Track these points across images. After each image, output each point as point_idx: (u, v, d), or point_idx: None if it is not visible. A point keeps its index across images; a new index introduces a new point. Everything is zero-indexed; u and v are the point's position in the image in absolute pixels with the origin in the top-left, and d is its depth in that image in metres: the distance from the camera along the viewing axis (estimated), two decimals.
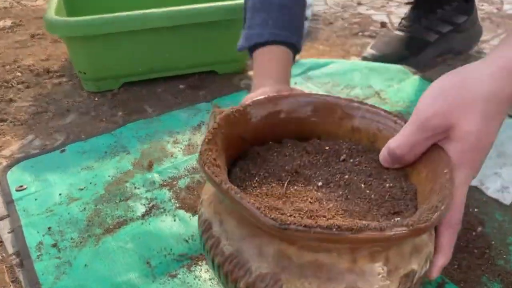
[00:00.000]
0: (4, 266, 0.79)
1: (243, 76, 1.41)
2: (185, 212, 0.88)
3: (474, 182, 0.89)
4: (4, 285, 0.76)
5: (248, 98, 0.76)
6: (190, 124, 1.17)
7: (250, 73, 1.41)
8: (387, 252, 0.50)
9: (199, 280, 0.74)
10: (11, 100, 1.31)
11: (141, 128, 1.16)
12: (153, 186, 0.95)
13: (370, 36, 1.69)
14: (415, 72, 1.36)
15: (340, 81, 1.34)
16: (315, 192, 0.60)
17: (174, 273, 0.75)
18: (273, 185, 0.61)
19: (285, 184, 0.61)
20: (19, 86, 1.38)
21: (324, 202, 0.57)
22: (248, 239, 0.53)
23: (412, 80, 1.33)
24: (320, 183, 0.62)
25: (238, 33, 1.00)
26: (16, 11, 1.95)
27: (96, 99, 1.31)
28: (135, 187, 0.95)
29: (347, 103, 0.70)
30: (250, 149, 0.68)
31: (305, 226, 0.46)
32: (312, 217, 0.54)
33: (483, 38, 1.57)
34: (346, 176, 0.62)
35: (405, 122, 0.60)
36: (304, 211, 0.55)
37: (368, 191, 0.59)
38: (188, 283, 0.74)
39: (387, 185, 0.60)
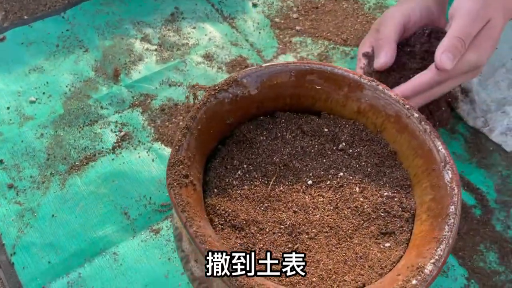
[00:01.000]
0: None
1: None
2: (163, 147, 0.76)
3: (479, 123, 0.82)
4: None
5: (387, 18, 0.68)
6: (161, 11, 0.96)
7: None
8: None
9: None
10: None
11: (99, 12, 0.94)
12: (122, 105, 0.81)
13: None
14: None
15: None
16: (302, 195, 0.52)
17: (157, 227, 0.68)
18: (257, 183, 0.52)
19: (271, 183, 0.52)
20: None
21: (310, 211, 0.50)
22: None
23: None
24: (310, 181, 0.53)
25: None
26: None
27: None
28: (101, 106, 0.80)
29: (357, 79, 0.56)
30: (237, 128, 0.56)
31: None
32: (293, 235, 0.48)
33: None
34: (341, 174, 0.53)
35: (422, 119, 0.51)
36: (285, 226, 0.48)
37: (361, 199, 0.51)
38: (173, 241, 0.67)
39: (385, 193, 0.52)
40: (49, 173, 0.72)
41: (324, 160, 0.54)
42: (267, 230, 0.49)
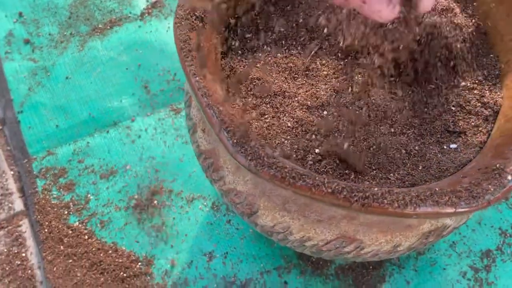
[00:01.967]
0: None
1: None
2: None
3: None
4: None
5: None
6: None
7: None
8: None
9: None
10: None
11: None
12: None
13: None
14: None
15: None
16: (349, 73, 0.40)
17: (179, 106, 0.60)
18: (293, 51, 0.40)
19: (310, 54, 0.40)
20: None
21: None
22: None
23: None
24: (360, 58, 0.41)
25: None
26: None
27: None
28: None
29: None
30: None
31: (290, 182, 0.29)
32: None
33: None
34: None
35: None
36: (321, 106, 0.37)
37: (427, 87, 0.39)
38: None
39: (462, 82, 0.39)
40: (69, 33, 0.64)
41: (387, 33, 0.42)
42: (298, 106, 0.38)
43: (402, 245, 0.35)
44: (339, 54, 0.42)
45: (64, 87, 0.60)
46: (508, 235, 0.51)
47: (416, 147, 0.37)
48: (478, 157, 0.34)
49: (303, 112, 0.38)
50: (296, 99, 0.38)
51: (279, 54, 0.41)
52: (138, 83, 0.61)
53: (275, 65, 0.41)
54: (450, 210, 0.28)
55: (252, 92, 0.39)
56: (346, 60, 0.41)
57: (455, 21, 0.41)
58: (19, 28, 0.64)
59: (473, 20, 0.42)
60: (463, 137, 0.38)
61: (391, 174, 0.35)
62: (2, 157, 0.56)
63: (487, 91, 0.39)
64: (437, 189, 0.29)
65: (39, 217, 0.52)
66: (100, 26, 0.64)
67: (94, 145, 0.56)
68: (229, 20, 0.41)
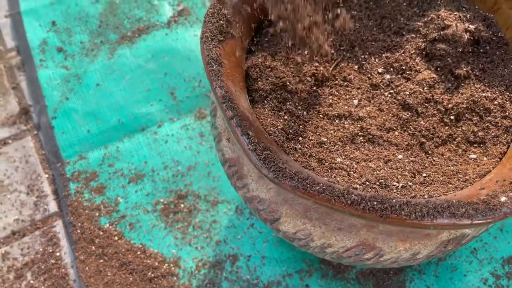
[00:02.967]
0: (2, 66, 0.66)
1: None
2: None
3: None
4: (4, 91, 0.64)
5: None
6: None
7: None
8: None
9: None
10: None
11: None
12: None
13: None
14: None
15: None
16: (371, 81, 0.41)
17: (204, 112, 0.61)
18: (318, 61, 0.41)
19: (334, 64, 0.41)
20: None
21: (378, 101, 0.39)
22: None
23: None
24: (381, 69, 0.41)
25: None
26: None
27: None
28: None
29: None
30: None
31: (311, 193, 0.30)
32: (354, 124, 0.38)
33: None
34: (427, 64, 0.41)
35: None
36: (343, 115, 0.38)
37: (449, 97, 0.39)
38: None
39: (484, 93, 0.40)
40: (99, 41, 0.66)
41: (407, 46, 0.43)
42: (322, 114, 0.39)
43: (421, 253, 0.36)
44: None
45: (95, 94, 0.62)
46: None
47: (436, 157, 0.38)
48: (496, 168, 0.35)
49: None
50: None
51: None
52: (165, 90, 0.63)
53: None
54: (466, 222, 0.29)
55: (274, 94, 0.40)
56: None
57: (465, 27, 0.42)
58: (52, 37, 0.67)
59: (493, 29, 0.42)
60: (482, 147, 0.38)
61: (409, 182, 0.36)
62: (37, 161, 0.59)
63: (507, 102, 0.39)
64: (454, 200, 0.30)
65: (72, 218, 0.54)
66: (128, 34, 0.67)
67: (123, 149, 0.59)
68: (252, 33, 0.42)
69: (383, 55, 0.42)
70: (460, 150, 0.38)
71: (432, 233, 0.35)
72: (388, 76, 0.41)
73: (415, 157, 0.37)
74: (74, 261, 0.52)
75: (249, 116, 0.34)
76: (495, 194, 0.30)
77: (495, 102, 0.39)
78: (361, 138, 0.38)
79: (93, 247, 0.53)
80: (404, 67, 0.41)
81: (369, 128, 0.38)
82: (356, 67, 0.42)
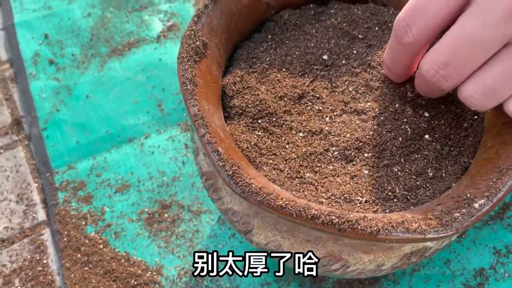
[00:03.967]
0: None
1: None
2: None
3: None
4: None
5: None
6: None
7: None
8: None
9: None
10: None
11: None
12: None
13: None
14: None
15: None
16: (341, 102, 0.43)
17: (189, 126, 0.63)
18: (291, 78, 0.44)
19: (308, 82, 0.43)
20: None
21: (346, 122, 0.41)
22: None
23: None
24: (352, 89, 0.43)
25: None
26: None
27: None
28: None
29: None
30: (278, 13, 0.47)
31: (275, 207, 0.32)
32: (320, 139, 0.40)
33: None
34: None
35: None
36: (312, 132, 0.40)
37: (411, 112, 0.41)
38: None
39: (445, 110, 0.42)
40: (90, 54, 0.69)
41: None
42: (293, 131, 0.41)
43: (385, 265, 0.38)
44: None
45: (85, 105, 0.64)
46: (502, 254, 0.53)
47: (394, 174, 0.39)
48: (455, 185, 0.37)
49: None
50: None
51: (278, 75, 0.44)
52: (152, 102, 0.65)
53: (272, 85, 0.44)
54: (419, 236, 0.31)
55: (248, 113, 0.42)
56: None
57: None
58: (44, 49, 0.69)
59: None
60: (446, 163, 0.40)
61: (364, 199, 0.38)
62: (27, 171, 0.61)
63: (470, 119, 0.41)
64: (409, 216, 0.32)
65: (59, 226, 0.56)
66: (119, 47, 0.69)
67: (111, 160, 0.61)
68: (230, 52, 0.44)
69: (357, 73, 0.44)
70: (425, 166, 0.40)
71: (395, 245, 0.36)
72: (359, 95, 0.43)
73: (380, 172, 0.39)
74: (60, 268, 0.54)
75: (220, 133, 0.36)
76: (448, 210, 0.32)
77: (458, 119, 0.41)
78: (330, 153, 0.40)
79: (79, 255, 0.54)
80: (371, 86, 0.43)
81: (339, 145, 0.40)
82: (329, 84, 0.44)
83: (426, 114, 0.41)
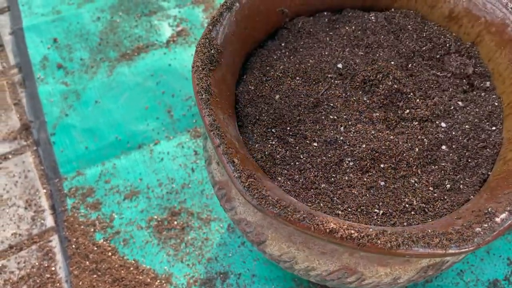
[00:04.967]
0: (5, 82, 0.68)
1: None
2: None
3: None
4: (6, 107, 0.66)
5: None
6: None
7: None
8: None
9: None
10: None
11: None
12: (184, 0, 0.74)
13: None
14: None
15: None
16: (356, 112, 0.42)
17: (200, 131, 0.63)
18: (304, 87, 0.43)
19: (322, 91, 0.43)
20: None
21: (363, 131, 0.41)
22: None
23: None
24: (367, 98, 0.43)
25: None
26: None
27: None
28: None
29: None
30: (291, 21, 0.47)
31: (292, 221, 0.31)
32: (338, 154, 0.39)
33: None
34: (412, 94, 0.43)
35: None
36: (328, 142, 0.39)
37: (432, 126, 0.41)
38: None
39: (466, 125, 0.41)
40: (99, 58, 0.68)
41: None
42: (307, 140, 0.41)
43: (402, 278, 0.37)
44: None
45: (94, 111, 0.64)
46: None
47: (413, 186, 0.39)
48: (474, 198, 0.36)
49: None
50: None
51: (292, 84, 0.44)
52: (162, 108, 0.64)
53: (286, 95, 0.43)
54: (440, 251, 0.30)
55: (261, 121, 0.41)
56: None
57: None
58: (53, 53, 0.69)
59: (474, 61, 0.44)
60: (463, 174, 0.39)
61: (395, 205, 0.37)
62: (36, 176, 0.60)
63: (489, 131, 0.40)
64: (429, 230, 0.31)
65: (67, 233, 0.56)
66: (128, 52, 0.69)
67: (119, 166, 0.60)
68: (244, 60, 0.44)
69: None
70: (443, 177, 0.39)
71: (412, 259, 0.36)
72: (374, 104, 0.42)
73: (397, 184, 0.38)
74: (69, 275, 0.53)
75: (235, 143, 0.35)
76: (469, 225, 0.32)
77: (477, 131, 0.41)
78: (346, 164, 0.39)
79: (87, 262, 0.54)
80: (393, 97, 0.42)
81: (355, 155, 0.39)
82: (343, 93, 0.43)
83: (443, 124, 0.41)
